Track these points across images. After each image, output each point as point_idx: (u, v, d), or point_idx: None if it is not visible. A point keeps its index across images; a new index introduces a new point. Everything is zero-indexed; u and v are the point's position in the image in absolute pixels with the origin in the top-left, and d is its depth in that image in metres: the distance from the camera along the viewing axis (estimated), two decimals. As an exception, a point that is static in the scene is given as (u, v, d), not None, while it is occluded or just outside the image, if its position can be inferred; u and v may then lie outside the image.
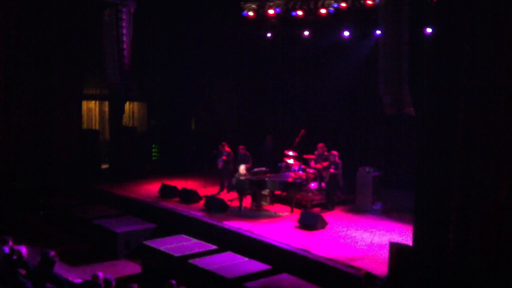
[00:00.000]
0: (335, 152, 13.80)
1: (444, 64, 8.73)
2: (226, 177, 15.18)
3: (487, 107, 8.07)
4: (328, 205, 13.64)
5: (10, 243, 9.18)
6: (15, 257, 8.63)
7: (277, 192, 14.02)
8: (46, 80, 16.94)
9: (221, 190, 15.23)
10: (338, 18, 15.27)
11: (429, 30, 12.62)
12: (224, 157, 15.12)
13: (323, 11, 15.09)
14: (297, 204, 13.54)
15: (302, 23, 16.12)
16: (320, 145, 14.39)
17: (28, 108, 16.72)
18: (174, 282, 7.71)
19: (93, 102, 18.87)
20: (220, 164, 15.20)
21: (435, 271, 8.74)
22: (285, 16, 16.05)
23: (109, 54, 16.89)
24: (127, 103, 19.15)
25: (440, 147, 8.72)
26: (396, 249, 9.13)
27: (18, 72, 16.49)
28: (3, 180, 15.72)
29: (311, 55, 17.02)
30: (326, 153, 14.14)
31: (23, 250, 8.70)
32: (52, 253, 8.53)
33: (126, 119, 19.35)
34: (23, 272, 8.11)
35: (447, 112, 8.64)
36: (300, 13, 15.63)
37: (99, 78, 18.23)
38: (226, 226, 12.18)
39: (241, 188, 13.65)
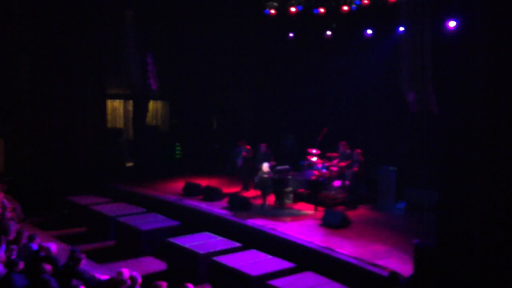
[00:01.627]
0: (358, 151, 13.72)
1: (470, 59, 8.58)
2: (247, 175, 15.21)
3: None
4: (351, 204, 13.57)
5: (38, 240, 9.36)
6: (43, 254, 8.79)
7: (300, 190, 14.00)
8: (70, 79, 17.20)
9: (244, 188, 15.26)
10: (360, 16, 15.22)
11: (452, 24, 12.56)
12: (244, 154, 15.14)
13: (345, 8, 15.04)
14: (321, 203, 13.49)
15: (324, 20, 16.09)
16: (342, 143, 14.31)
17: (52, 107, 17.00)
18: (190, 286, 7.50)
19: (118, 101, 19.10)
20: (240, 162, 15.24)
21: (458, 269, 8.64)
22: (307, 14, 16.03)
23: (130, 54, 17.15)
24: (151, 102, 19.37)
25: (464, 145, 8.60)
26: (420, 248, 9.05)
27: (43, 72, 16.79)
28: (27, 178, 16.01)
29: (332, 53, 16.98)
30: (348, 152, 14.07)
31: (52, 247, 8.85)
32: (79, 250, 8.68)
33: (149, 118, 19.55)
34: (48, 267, 8.24)
35: (472, 109, 8.51)
36: (322, 10, 15.60)
37: (123, 77, 18.44)
38: (250, 224, 12.22)
39: (264, 186, 13.68)
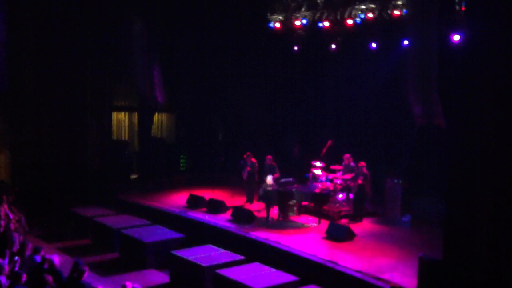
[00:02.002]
0: (362, 163, 13.70)
1: (477, 72, 8.57)
2: (251, 188, 15.21)
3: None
4: (356, 217, 13.53)
5: (42, 252, 9.38)
6: (46, 266, 8.81)
7: (304, 203, 13.97)
8: (77, 91, 17.30)
9: (248, 200, 15.24)
10: (365, 29, 15.27)
11: (456, 37, 12.61)
12: (248, 168, 15.14)
13: (349, 22, 15.11)
14: (325, 216, 13.46)
15: (329, 34, 16.15)
16: (346, 156, 14.30)
17: (60, 119, 17.10)
18: None
19: (123, 113, 19.21)
20: (245, 175, 15.23)
21: (465, 284, 8.56)
22: (312, 28, 16.11)
23: (140, 66, 17.26)
24: (156, 114, 19.44)
25: (472, 158, 8.57)
26: (425, 262, 8.99)
27: (50, 83, 16.92)
28: (33, 189, 16.07)
29: (338, 66, 17.03)
30: (352, 164, 14.05)
31: (56, 259, 8.86)
32: (82, 262, 8.69)
33: (154, 130, 19.62)
34: (50, 279, 8.26)
35: (479, 122, 8.49)
36: (326, 24, 15.67)
37: (129, 89, 18.55)
38: (253, 237, 12.19)
39: (268, 199, 13.67)
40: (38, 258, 9.18)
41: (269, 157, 15.01)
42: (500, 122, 8.15)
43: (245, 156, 15.40)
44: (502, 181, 8.10)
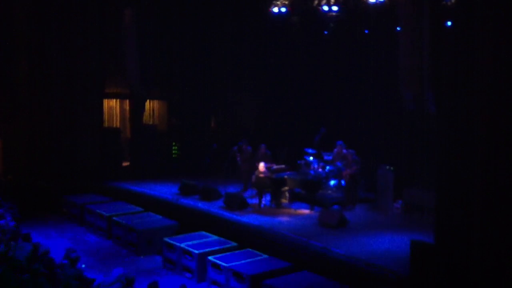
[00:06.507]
0: (353, 150, 13.72)
1: (465, 59, 8.58)
2: (246, 175, 15.20)
3: (510, 103, 7.96)
4: (348, 203, 13.56)
5: (33, 239, 9.37)
6: (38, 253, 8.80)
7: (297, 190, 13.98)
8: (67, 79, 17.18)
9: (243, 188, 15.23)
10: (359, 16, 15.24)
11: (448, 23, 12.60)
12: (242, 155, 15.11)
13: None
14: (317, 202, 13.48)
15: (322, 20, 16.11)
16: (339, 143, 14.32)
17: (50, 107, 16.99)
18: None
19: (114, 100, 19.08)
20: (239, 162, 15.21)
21: (457, 269, 8.63)
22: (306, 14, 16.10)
23: (129, 54, 17.13)
24: (148, 101, 19.35)
25: (462, 144, 8.59)
26: (417, 247, 9.05)
27: (41, 72, 16.78)
28: (26, 178, 16.00)
29: (331, 53, 16.99)
30: (344, 151, 14.07)
31: (47, 246, 8.85)
32: (75, 250, 8.69)
33: (146, 117, 19.53)
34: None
35: (471, 109, 8.51)
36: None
37: (120, 76, 18.42)
38: (246, 223, 12.19)
39: (260, 186, 13.68)
40: (29, 246, 9.16)
41: (263, 145, 15.00)
42: (492, 109, 8.17)
43: (238, 143, 15.37)
44: (492, 167, 8.15)
